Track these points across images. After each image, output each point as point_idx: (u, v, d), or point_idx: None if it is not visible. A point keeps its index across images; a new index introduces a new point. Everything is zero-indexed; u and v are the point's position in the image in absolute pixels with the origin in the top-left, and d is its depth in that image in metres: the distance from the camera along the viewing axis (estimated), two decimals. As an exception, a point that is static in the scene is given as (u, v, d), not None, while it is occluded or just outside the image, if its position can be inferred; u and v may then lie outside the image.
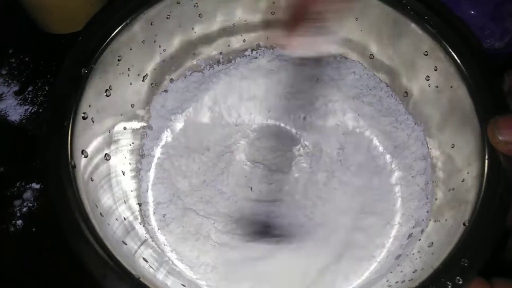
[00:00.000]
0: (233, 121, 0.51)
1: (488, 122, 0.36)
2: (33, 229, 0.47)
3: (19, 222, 0.49)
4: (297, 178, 0.47)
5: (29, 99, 0.56)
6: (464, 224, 0.34)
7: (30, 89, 0.56)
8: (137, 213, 0.44)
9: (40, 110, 0.55)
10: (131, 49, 0.45)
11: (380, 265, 0.42)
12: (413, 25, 0.45)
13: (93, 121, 0.41)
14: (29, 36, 0.61)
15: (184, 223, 0.45)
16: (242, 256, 0.43)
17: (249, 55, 0.53)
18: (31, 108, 0.55)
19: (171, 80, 0.51)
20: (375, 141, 0.50)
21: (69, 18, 0.58)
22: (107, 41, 0.42)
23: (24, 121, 0.55)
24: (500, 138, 0.35)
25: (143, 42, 0.46)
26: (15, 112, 0.56)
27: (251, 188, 0.47)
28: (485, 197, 0.34)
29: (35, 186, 0.50)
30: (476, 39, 0.42)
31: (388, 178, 0.48)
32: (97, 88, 0.42)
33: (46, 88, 0.56)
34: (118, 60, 0.44)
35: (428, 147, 0.46)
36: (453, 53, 0.42)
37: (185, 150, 0.49)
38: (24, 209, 0.49)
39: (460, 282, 0.31)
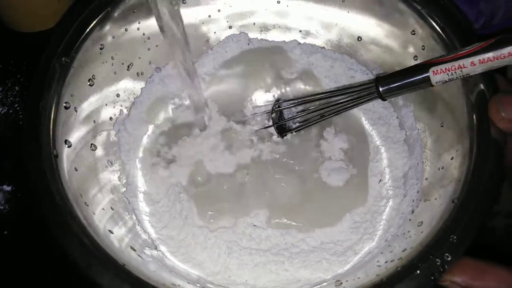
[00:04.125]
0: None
1: (490, 99, 0.35)
2: (5, 232, 0.46)
3: (-10, 225, 0.47)
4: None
5: (-2, 100, 0.54)
6: (453, 201, 0.34)
7: (-1, 90, 0.55)
8: (124, 202, 0.44)
9: (10, 111, 0.53)
10: (113, 38, 0.44)
11: (373, 248, 0.42)
12: (399, 4, 0.44)
13: (76, 111, 0.40)
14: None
15: (172, 209, 0.44)
16: (230, 240, 0.43)
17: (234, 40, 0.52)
18: (0, 109, 0.53)
19: (157, 70, 0.51)
20: (365, 123, 0.49)
21: (37, 15, 0.55)
22: (88, 29, 0.41)
23: (-7, 122, 0.53)
24: (503, 115, 0.34)
25: (126, 30, 0.45)
26: (-16, 113, 0.53)
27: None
28: (475, 174, 0.34)
29: (6, 188, 0.48)
30: (463, 15, 0.41)
31: (379, 162, 0.47)
32: (80, 78, 0.41)
33: (16, 88, 0.54)
34: (101, 49, 0.43)
35: (417, 128, 0.46)
36: (440, 31, 0.41)
37: (173, 134, 0.48)
38: (-5, 212, 0.47)
39: (449, 259, 0.30)
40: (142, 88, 0.50)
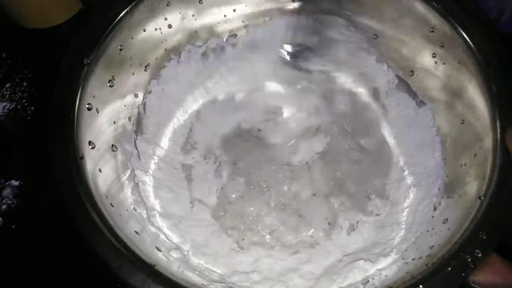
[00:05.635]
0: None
1: (508, 129, 0.35)
2: (13, 226, 0.46)
3: (-1, 219, 0.48)
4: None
5: (7, 95, 0.54)
6: (479, 198, 0.34)
7: (8, 85, 0.55)
8: (146, 203, 0.44)
9: (19, 107, 0.53)
10: (132, 38, 0.44)
11: (397, 247, 0.42)
12: (417, 1, 0.44)
13: (98, 112, 0.40)
14: (5, 32, 0.58)
15: (192, 212, 0.44)
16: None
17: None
18: (9, 104, 0.54)
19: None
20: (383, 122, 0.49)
21: (45, 12, 0.54)
22: (108, 30, 0.41)
23: (2, 118, 0.54)
24: None
25: (144, 31, 0.45)
26: (-7, 109, 0.54)
27: None
28: (501, 170, 0.34)
29: (14, 183, 0.49)
30: (482, 11, 0.41)
31: (397, 160, 0.47)
32: (101, 79, 0.41)
33: (24, 84, 0.55)
34: (120, 50, 0.43)
35: (436, 125, 0.46)
36: (459, 28, 0.41)
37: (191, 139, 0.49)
38: (4, 207, 0.48)
39: (480, 255, 0.30)
40: (158, 85, 0.50)
